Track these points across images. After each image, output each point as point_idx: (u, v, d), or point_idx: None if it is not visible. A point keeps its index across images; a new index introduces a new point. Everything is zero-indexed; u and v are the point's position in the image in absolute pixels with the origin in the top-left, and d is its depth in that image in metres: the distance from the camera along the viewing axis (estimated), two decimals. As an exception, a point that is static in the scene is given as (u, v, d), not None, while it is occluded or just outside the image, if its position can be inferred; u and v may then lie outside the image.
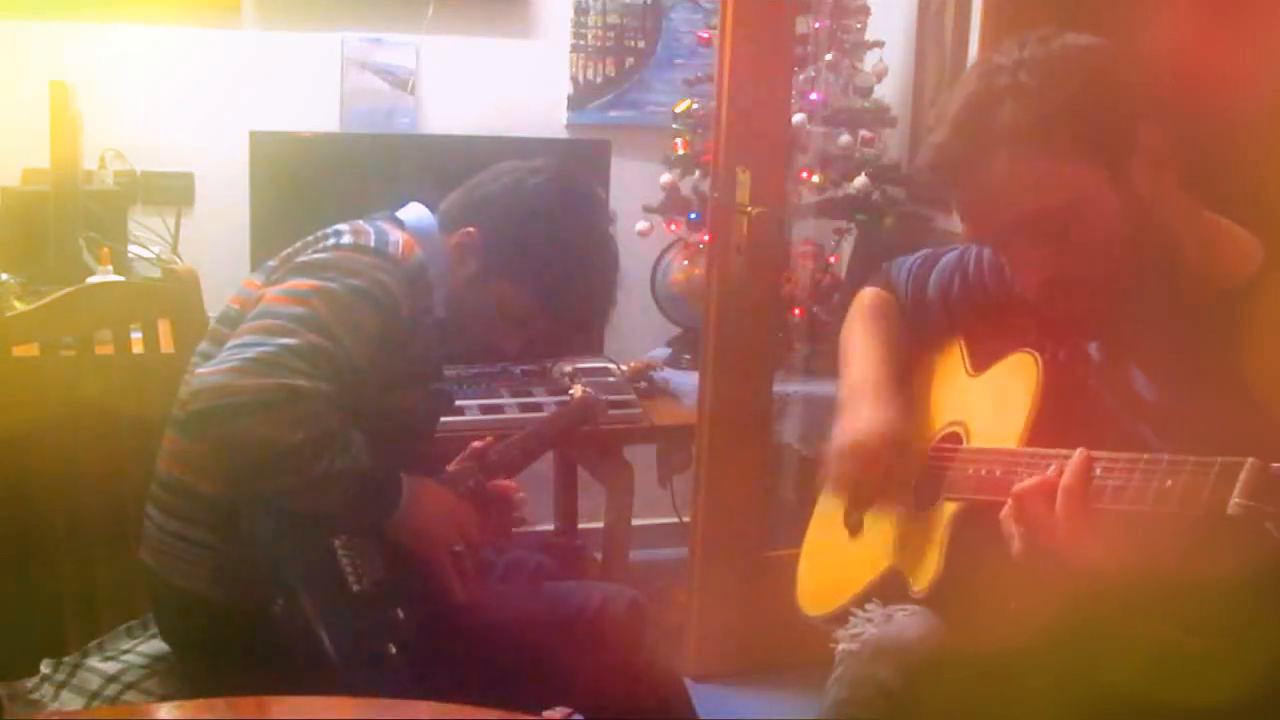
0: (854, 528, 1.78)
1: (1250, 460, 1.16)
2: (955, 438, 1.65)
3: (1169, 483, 1.23)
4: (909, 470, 1.67)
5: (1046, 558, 1.31)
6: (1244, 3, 2.31)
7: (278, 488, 1.62)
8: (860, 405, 1.72)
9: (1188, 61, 1.50)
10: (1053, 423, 1.50)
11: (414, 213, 1.90)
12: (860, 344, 1.83)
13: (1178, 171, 1.43)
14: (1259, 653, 1.30)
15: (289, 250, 1.81)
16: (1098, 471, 1.31)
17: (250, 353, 1.58)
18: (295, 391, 1.57)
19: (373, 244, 1.74)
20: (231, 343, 1.62)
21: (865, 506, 1.74)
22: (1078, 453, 1.31)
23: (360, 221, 1.81)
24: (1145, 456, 1.27)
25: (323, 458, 1.60)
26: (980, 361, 1.71)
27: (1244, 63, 2.17)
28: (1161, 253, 1.44)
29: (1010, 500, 1.36)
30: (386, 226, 1.80)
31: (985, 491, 1.50)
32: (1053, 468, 1.34)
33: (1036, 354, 1.57)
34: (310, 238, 1.81)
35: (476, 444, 1.97)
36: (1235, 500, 1.15)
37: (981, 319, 1.75)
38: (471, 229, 1.85)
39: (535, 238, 1.83)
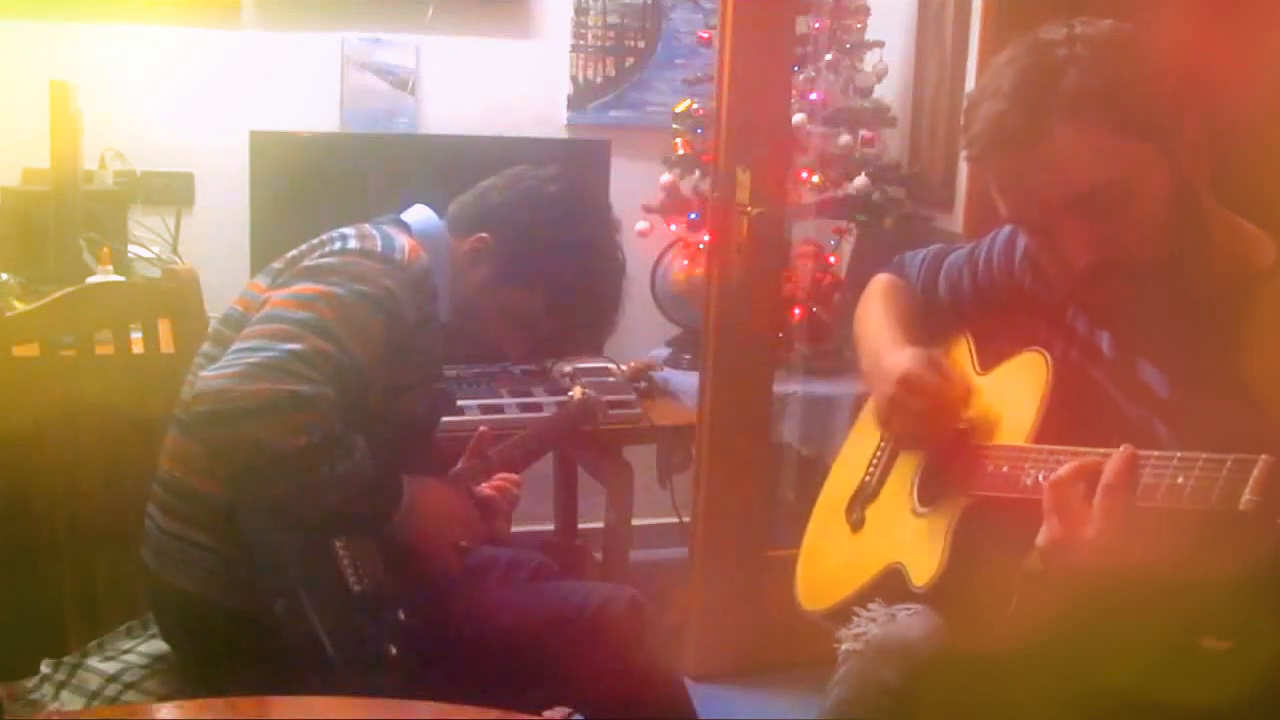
0: (856, 523, 1.78)
1: (1263, 457, 1.16)
2: (962, 435, 1.65)
3: (1180, 479, 1.22)
4: (957, 398, 1.64)
5: (1074, 554, 1.29)
6: (1246, 3, 2.31)
7: (280, 491, 1.62)
8: (890, 355, 1.69)
9: (1192, 60, 1.49)
10: (1062, 421, 1.49)
11: (419, 215, 1.90)
12: (879, 314, 1.81)
13: (1210, 162, 1.44)
14: (1269, 651, 1.30)
15: (294, 253, 1.81)
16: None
17: (254, 357, 1.58)
18: (299, 397, 1.56)
19: (379, 249, 1.74)
20: (236, 346, 1.62)
21: (912, 439, 1.70)
22: (1121, 449, 1.28)
23: (366, 225, 1.81)
24: (1156, 453, 1.27)
25: (325, 462, 1.60)
26: (987, 361, 1.70)
27: (1247, 63, 2.17)
28: (1193, 241, 1.44)
29: (1047, 488, 1.33)
30: (392, 231, 1.80)
31: (992, 488, 1.50)
32: (1090, 457, 1.31)
33: (1046, 353, 1.57)
34: (315, 240, 1.81)
35: (483, 429, 1.97)
36: (1248, 497, 1.15)
37: (989, 317, 1.75)
38: (485, 235, 1.86)
39: (551, 245, 1.85)
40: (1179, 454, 1.24)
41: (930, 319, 1.83)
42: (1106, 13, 1.46)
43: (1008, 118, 1.40)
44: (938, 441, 1.66)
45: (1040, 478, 1.40)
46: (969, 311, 1.79)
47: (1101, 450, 1.33)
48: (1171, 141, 1.40)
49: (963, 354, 1.76)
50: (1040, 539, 1.32)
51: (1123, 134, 1.38)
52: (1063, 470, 1.33)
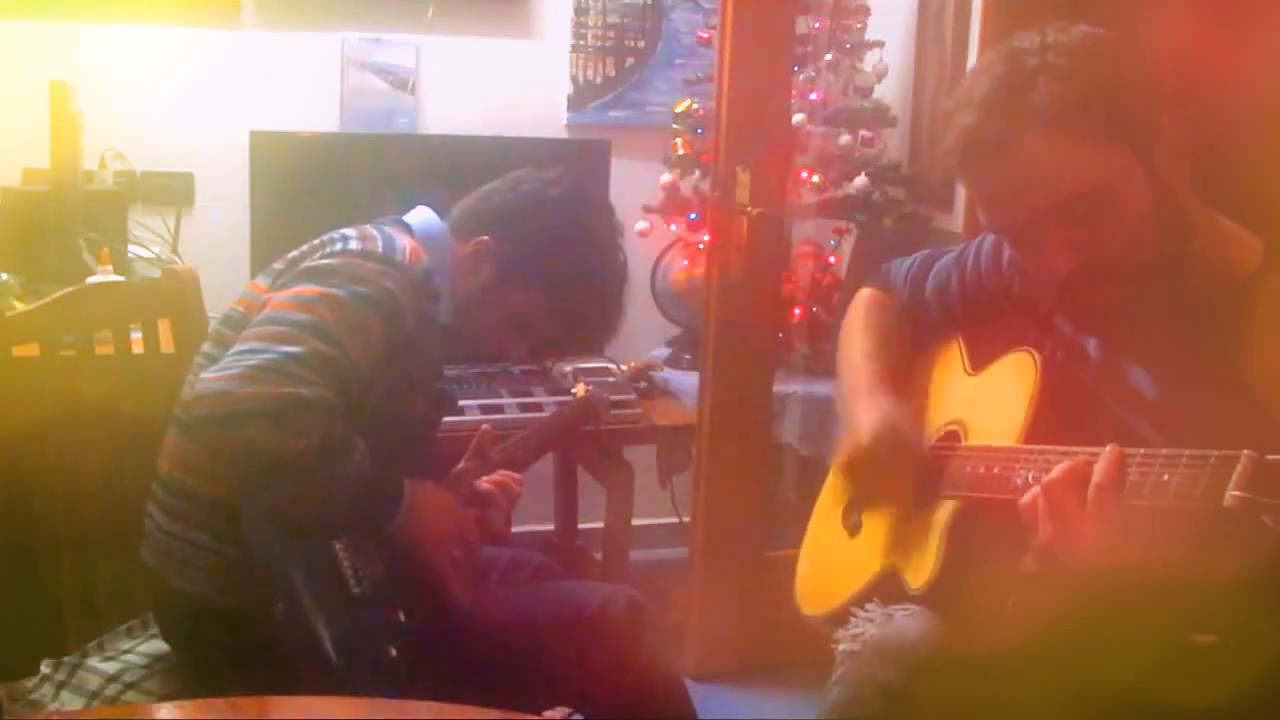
0: (852, 528, 1.78)
1: (1246, 452, 1.16)
2: (954, 436, 1.65)
3: (1165, 477, 1.23)
4: (918, 466, 1.66)
5: (1069, 554, 1.30)
6: (1242, 3, 2.31)
7: (280, 494, 1.62)
8: (862, 408, 1.72)
9: (1186, 61, 1.50)
10: (1051, 421, 1.50)
11: (421, 217, 1.90)
12: (858, 344, 1.82)
13: (1191, 164, 1.44)
14: (1260, 649, 1.31)
15: (295, 254, 1.81)
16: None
17: (254, 360, 1.58)
18: (298, 400, 1.56)
19: (380, 250, 1.74)
20: (236, 348, 1.62)
21: (877, 503, 1.73)
22: (1109, 449, 1.29)
23: (368, 226, 1.81)
24: (1142, 451, 1.27)
25: (326, 465, 1.60)
26: (978, 361, 1.71)
27: (1241, 62, 2.17)
28: (1174, 244, 1.44)
29: (1040, 491, 1.34)
30: (393, 232, 1.80)
31: (984, 489, 1.50)
32: (1080, 457, 1.32)
33: (1035, 352, 1.57)
34: (316, 241, 1.81)
35: (485, 428, 1.97)
36: (1231, 492, 1.15)
37: (979, 318, 1.75)
38: (486, 237, 1.86)
39: (554, 249, 1.85)
40: (1164, 451, 1.24)
41: (918, 324, 1.83)
42: (1103, 13, 1.47)
43: (981, 129, 1.41)
44: (885, 500, 1.69)
45: (1031, 478, 1.40)
46: (957, 315, 1.79)
47: (1091, 450, 1.33)
48: (1148, 145, 1.40)
49: (954, 356, 1.76)
50: (1035, 541, 1.33)
51: (1097, 140, 1.38)
52: (1055, 472, 1.33)
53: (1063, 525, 1.30)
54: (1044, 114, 1.37)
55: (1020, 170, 1.40)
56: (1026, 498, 1.35)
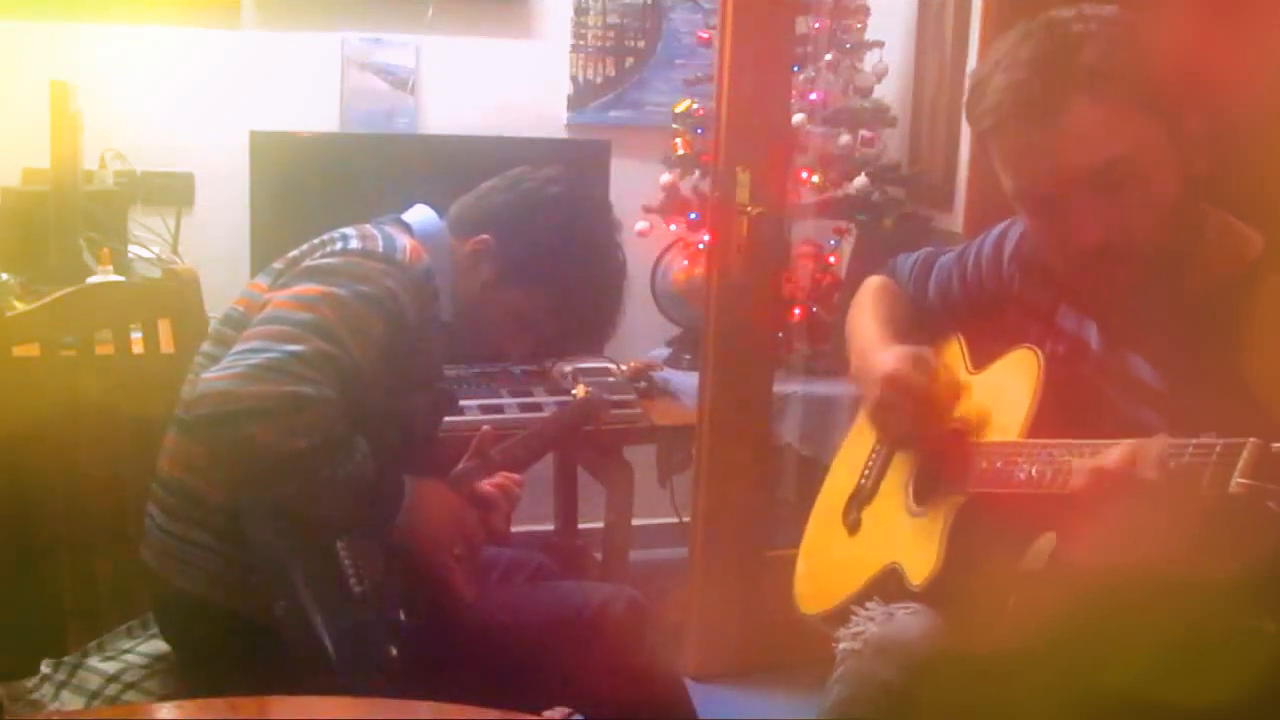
0: (852, 526, 1.78)
1: (1251, 440, 1.16)
2: (956, 434, 1.65)
3: (1170, 465, 1.23)
4: (945, 396, 1.65)
5: (1093, 545, 1.30)
6: (1242, 3, 2.31)
7: (281, 494, 1.62)
8: (878, 354, 1.70)
9: (1187, 59, 1.50)
10: (1055, 416, 1.50)
11: (420, 215, 1.90)
12: (869, 315, 1.82)
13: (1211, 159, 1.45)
14: (1265, 644, 1.31)
15: (295, 253, 1.81)
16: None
17: (256, 359, 1.58)
18: (300, 399, 1.56)
19: (380, 249, 1.74)
20: (238, 347, 1.62)
21: (905, 439, 1.70)
22: (1158, 439, 1.27)
23: (368, 225, 1.81)
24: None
25: (327, 464, 1.60)
26: (979, 359, 1.71)
27: (1242, 61, 2.17)
28: (1190, 233, 1.44)
29: (1090, 478, 1.31)
30: (393, 231, 1.80)
31: (986, 484, 1.50)
32: (1125, 444, 1.31)
33: (1037, 349, 1.57)
34: (316, 240, 1.81)
35: (485, 429, 1.97)
36: (1237, 480, 1.15)
37: (980, 317, 1.75)
38: (486, 236, 1.86)
39: (553, 247, 1.85)
40: (1169, 441, 1.24)
41: (922, 321, 1.83)
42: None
43: (1027, 87, 1.40)
44: (929, 440, 1.66)
45: (1034, 472, 1.40)
46: (959, 313, 1.79)
47: (1105, 441, 1.33)
48: (1180, 124, 1.41)
49: (955, 354, 1.76)
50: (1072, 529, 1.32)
51: (1139, 108, 1.39)
52: (1111, 457, 1.30)
53: (1106, 513, 1.29)
54: (1092, 75, 1.38)
55: (1062, 131, 1.39)
56: (1079, 480, 1.32)
